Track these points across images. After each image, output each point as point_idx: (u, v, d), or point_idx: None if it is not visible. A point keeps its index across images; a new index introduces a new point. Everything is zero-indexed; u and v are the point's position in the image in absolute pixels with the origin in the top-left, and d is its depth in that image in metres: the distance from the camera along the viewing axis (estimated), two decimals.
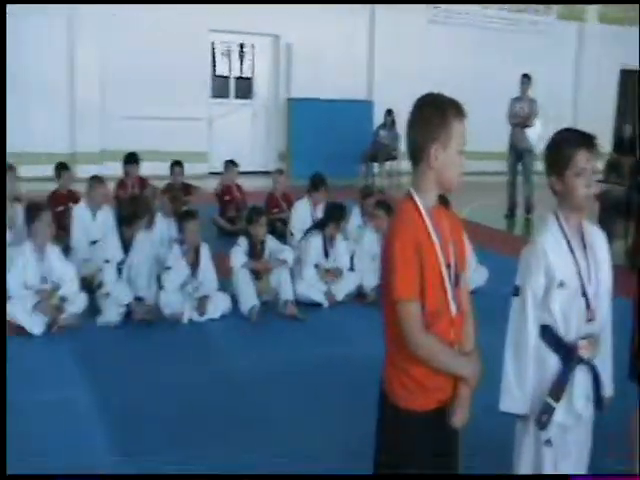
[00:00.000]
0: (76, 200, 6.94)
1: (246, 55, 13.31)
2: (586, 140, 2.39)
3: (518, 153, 10.18)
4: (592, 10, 15.57)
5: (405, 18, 13.32)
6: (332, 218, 6.04)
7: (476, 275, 6.23)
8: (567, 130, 2.51)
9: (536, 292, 2.41)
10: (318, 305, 5.79)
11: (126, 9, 11.25)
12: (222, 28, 12.37)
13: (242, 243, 5.76)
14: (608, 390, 2.57)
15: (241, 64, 13.36)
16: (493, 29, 14.43)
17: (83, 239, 6.27)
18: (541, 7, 15.04)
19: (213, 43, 12.87)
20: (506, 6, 14.68)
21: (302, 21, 12.51)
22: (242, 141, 12.91)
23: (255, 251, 5.77)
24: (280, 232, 7.49)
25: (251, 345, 5.04)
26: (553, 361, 2.43)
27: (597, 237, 2.54)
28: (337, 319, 5.59)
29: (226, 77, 13.27)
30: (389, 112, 11.85)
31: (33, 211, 5.21)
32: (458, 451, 2.30)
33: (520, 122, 10.11)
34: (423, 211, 2.15)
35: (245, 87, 13.43)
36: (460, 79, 12.53)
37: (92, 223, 6.39)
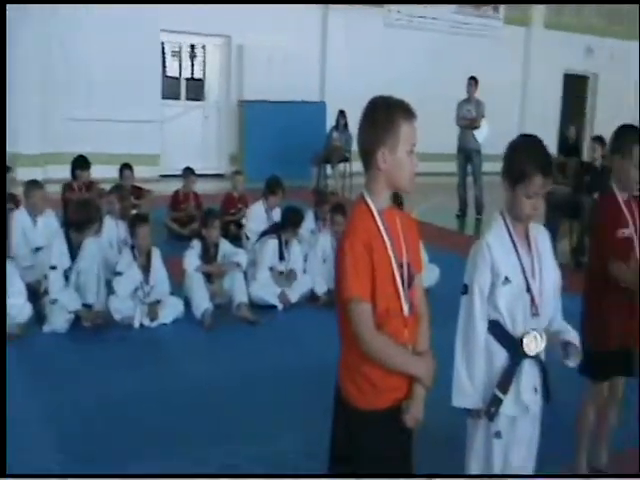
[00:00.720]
0: (17, 204, 6.58)
1: (197, 56, 13.20)
2: (545, 166, 2.44)
3: (467, 154, 10.37)
4: (538, 16, 15.93)
5: (358, 20, 13.40)
6: (290, 223, 6.05)
7: (428, 274, 6.31)
8: (530, 143, 2.54)
9: (483, 289, 2.48)
10: (272, 307, 5.78)
11: (70, 5, 10.99)
12: (172, 28, 12.22)
13: (195, 246, 5.72)
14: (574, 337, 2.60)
15: (192, 65, 13.23)
16: (445, 32, 14.63)
17: (23, 245, 6.01)
18: (490, 11, 15.31)
19: (163, 43, 12.70)
20: (459, 10, 14.90)
21: (254, 22, 12.45)
22: (194, 143, 12.80)
23: (208, 254, 5.74)
24: (234, 235, 7.47)
25: (204, 349, 5.02)
26: (501, 355, 2.50)
27: (541, 235, 2.61)
28: (291, 321, 5.60)
29: (177, 78, 13.12)
30: (342, 113, 11.90)
31: None
32: (411, 448, 2.32)
33: (468, 124, 10.28)
34: (375, 212, 2.17)
35: (196, 88, 13.30)
36: (413, 81, 12.69)
37: (33, 229, 6.13)
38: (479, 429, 2.56)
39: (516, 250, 2.51)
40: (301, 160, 12.04)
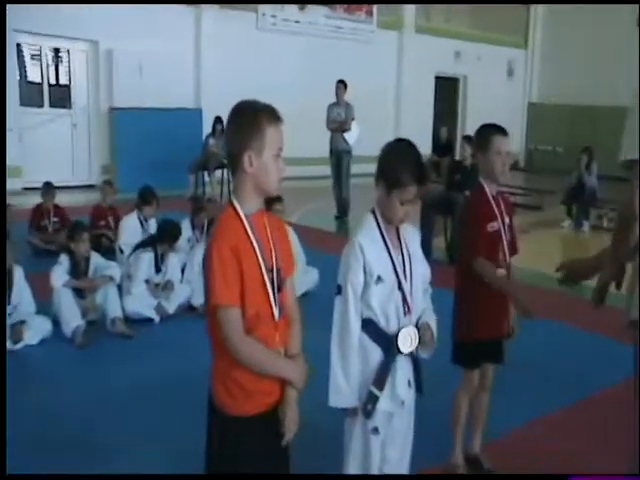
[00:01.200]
0: None
1: (62, 61, 12.55)
2: (421, 176, 2.49)
3: (338, 156, 10.48)
4: (409, 21, 16.39)
5: (232, 25, 13.27)
6: (166, 237, 5.84)
7: (307, 278, 6.30)
8: (406, 151, 2.55)
9: (356, 288, 2.50)
10: (149, 320, 5.56)
11: None
12: (29, 29, 11.52)
13: (63, 261, 5.39)
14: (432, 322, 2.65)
15: (56, 70, 12.57)
16: (319, 37, 14.75)
17: None
18: (363, 16, 15.59)
19: (20, 45, 11.91)
20: (332, 15, 15.07)
21: (123, 26, 12.04)
22: (62, 153, 12.19)
23: (78, 269, 5.43)
24: (106, 248, 7.16)
25: (76, 368, 4.72)
26: (376, 353, 2.54)
27: (411, 235, 2.67)
28: (168, 333, 5.40)
29: (39, 84, 12.38)
30: (218, 120, 11.70)
31: None
32: (289, 452, 2.30)
33: (337, 127, 10.37)
34: (242, 217, 2.16)
35: (62, 95, 12.64)
36: (289, 86, 12.70)
37: None
38: (356, 427, 2.59)
39: (388, 249, 2.55)
40: (178, 168, 11.72)
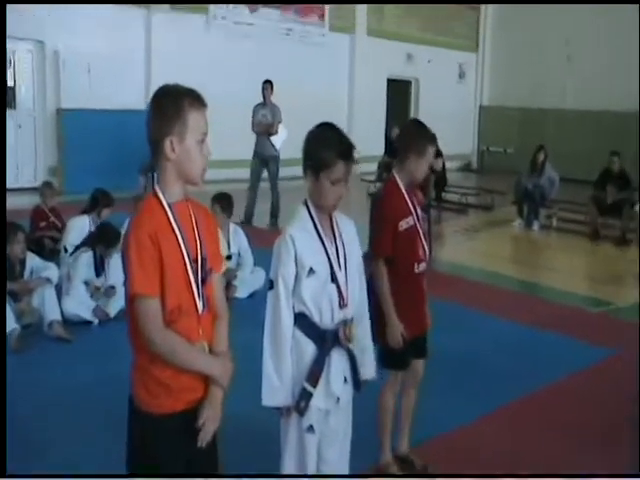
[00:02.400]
0: None
1: (8, 62, 12.19)
2: (346, 152, 2.43)
3: (263, 160, 9.91)
4: (361, 24, 16.40)
5: (182, 26, 13.08)
6: (103, 239, 5.62)
7: (254, 278, 6.20)
8: (331, 131, 2.49)
9: (287, 281, 2.42)
10: (89, 323, 5.38)
11: None
12: None
13: None
14: (370, 372, 2.64)
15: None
16: (269, 39, 14.65)
17: None
18: (314, 19, 15.54)
19: None
20: (284, 18, 14.99)
21: (70, 26, 11.77)
22: (6, 155, 11.83)
23: (13, 271, 5.21)
24: (51, 250, 6.96)
25: (11, 374, 4.51)
26: (310, 348, 2.46)
27: (347, 225, 2.59)
28: (108, 336, 5.20)
29: None
30: None
31: None
32: (215, 451, 2.20)
33: (263, 130, 9.75)
34: (165, 204, 2.06)
35: (6, 96, 12.27)
36: (238, 88, 12.55)
37: None
38: (291, 426, 2.50)
39: (321, 240, 2.46)
40: (127, 170, 11.46)
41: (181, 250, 2.05)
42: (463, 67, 19.02)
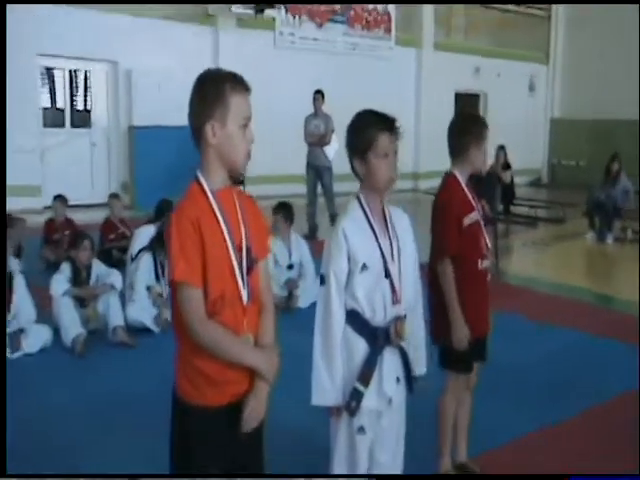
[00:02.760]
0: None
1: (82, 81, 12.67)
2: (388, 123, 2.37)
3: (317, 172, 9.83)
4: (428, 38, 16.31)
5: (250, 43, 13.30)
6: (163, 244, 5.67)
7: (316, 288, 6.14)
8: (369, 112, 2.45)
9: (339, 277, 2.34)
10: (150, 330, 5.42)
11: None
12: (53, 52, 11.70)
13: (64, 269, 5.32)
14: (421, 368, 2.54)
15: (77, 91, 12.68)
16: (336, 54, 14.73)
17: None
18: (380, 33, 15.55)
19: (44, 68, 12.10)
20: (351, 32, 15.06)
21: (141, 45, 12.13)
22: (81, 172, 12.24)
23: (79, 277, 5.35)
24: (118, 260, 7.11)
25: (74, 375, 4.61)
26: (361, 346, 2.38)
27: (401, 219, 2.50)
28: (170, 342, 5.22)
29: (60, 104, 12.53)
30: None
31: None
32: (260, 450, 2.14)
33: (316, 141, 9.65)
34: (208, 191, 2.01)
35: (82, 115, 12.75)
36: (305, 103, 12.64)
37: None
38: (342, 427, 2.41)
39: (374, 233, 2.38)
40: None
41: (224, 238, 1.99)
42: (533, 79, 18.63)
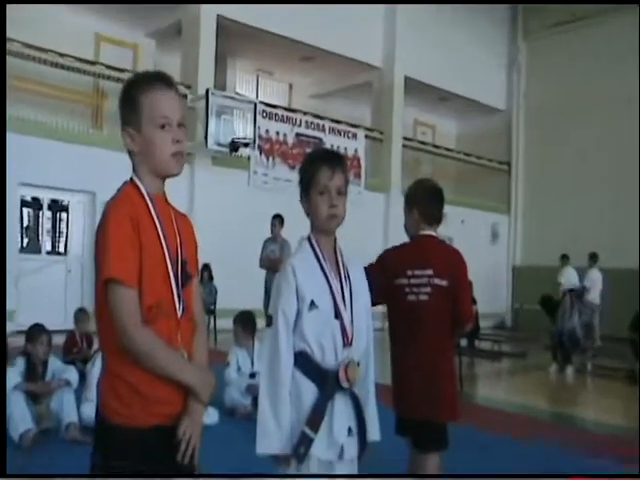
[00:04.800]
0: None
1: (60, 211, 12.98)
2: (328, 158, 2.36)
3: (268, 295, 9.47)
4: (395, 183, 17.09)
5: (225, 181, 13.77)
6: None
7: None
8: (315, 150, 2.57)
9: (288, 317, 2.27)
10: None
11: None
12: (33, 182, 12.07)
13: (18, 363, 5.22)
14: (373, 433, 2.41)
15: (54, 220, 12.96)
16: None
17: None
18: (351, 178, 16.23)
19: (23, 197, 12.41)
20: None
21: (119, 177, 12.48)
22: (56, 298, 12.31)
23: (34, 372, 5.24)
24: (80, 371, 6.98)
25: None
26: (311, 390, 2.26)
27: (355, 268, 2.47)
28: None
29: (37, 233, 12.74)
30: (206, 267, 11.76)
31: None
32: (194, 471, 1.96)
33: (270, 265, 9.28)
34: (145, 193, 1.92)
35: (59, 243, 12.94)
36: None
37: None
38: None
39: (324, 273, 2.32)
40: None
41: (161, 244, 1.87)
42: (496, 227, 19.39)
